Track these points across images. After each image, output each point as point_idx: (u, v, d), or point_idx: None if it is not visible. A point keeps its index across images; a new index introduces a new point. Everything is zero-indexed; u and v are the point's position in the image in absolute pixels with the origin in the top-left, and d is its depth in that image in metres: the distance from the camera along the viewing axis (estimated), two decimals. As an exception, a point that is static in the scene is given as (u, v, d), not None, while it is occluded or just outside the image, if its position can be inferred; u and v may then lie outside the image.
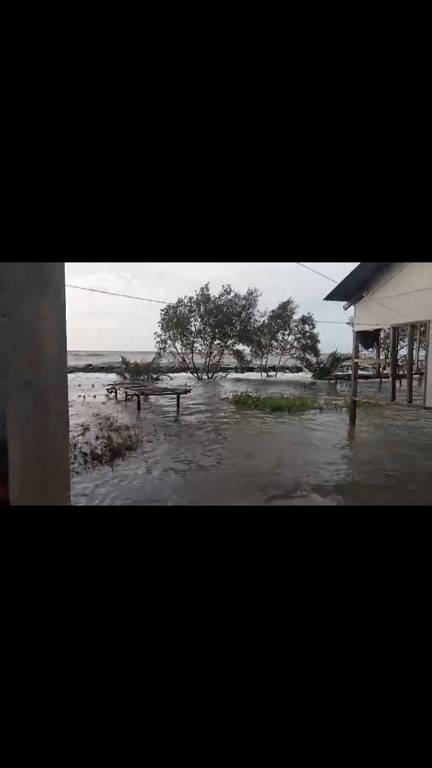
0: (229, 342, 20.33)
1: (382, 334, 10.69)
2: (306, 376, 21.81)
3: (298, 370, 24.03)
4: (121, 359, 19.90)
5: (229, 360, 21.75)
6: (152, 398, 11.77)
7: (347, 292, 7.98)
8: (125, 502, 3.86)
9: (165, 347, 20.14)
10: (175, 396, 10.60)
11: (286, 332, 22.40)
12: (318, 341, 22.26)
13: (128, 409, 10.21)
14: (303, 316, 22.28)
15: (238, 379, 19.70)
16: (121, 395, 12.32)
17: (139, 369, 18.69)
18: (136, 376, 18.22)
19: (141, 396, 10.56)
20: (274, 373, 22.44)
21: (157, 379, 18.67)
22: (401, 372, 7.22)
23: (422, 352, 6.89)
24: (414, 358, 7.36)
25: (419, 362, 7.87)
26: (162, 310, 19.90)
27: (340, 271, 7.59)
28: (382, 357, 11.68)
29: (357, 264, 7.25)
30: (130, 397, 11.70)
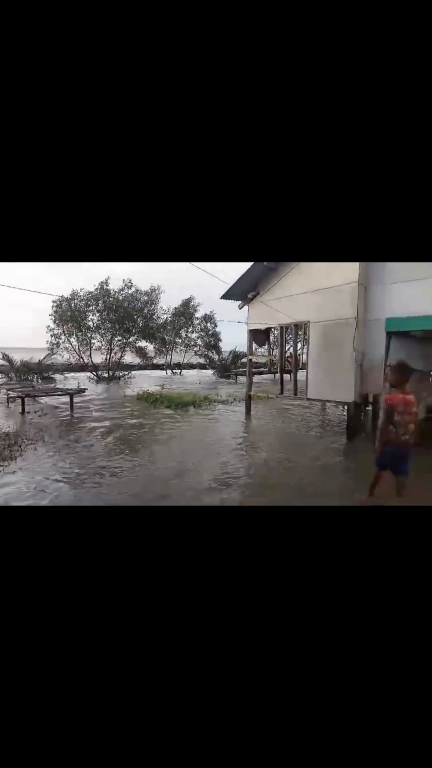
0: (131, 339, 19.55)
1: (273, 334, 11.56)
2: (210, 372, 22.48)
3: (203, 367, 24.64)
4: (1, 356, 17.32)
5: (132, 358, 20.97)
6: (44, 400, 10.59)
7: (242, 292, 8.40)
8: None
9: (59, 343, 18.33)
10: (68, 397, 9.72)
11: (190, 329, 22.68)
12: (220, 339, 23.12)
13: (11, 413, 8.99)
14: (205, 314, 22.88)
15: (142, 377, 19.21)
16: (2, 397, 10.78)
17: (29, 367, 16.64)
18: (25, 376, 16.18)
19: (27, 398, 9.38)
20: (179, 370, 22.56)
21: (50, 378, 16.90)
22: (288, 368, 7.93)
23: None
24: (299, 354, 8.16)
25: (304, 358, 8.76)
26: (54, 302, 18.05)
27: (241, 271, 7.90)
28: (274, 354, 12.73)
29: (250, 265, 7.68)
30: (12, 399, 10.31)
